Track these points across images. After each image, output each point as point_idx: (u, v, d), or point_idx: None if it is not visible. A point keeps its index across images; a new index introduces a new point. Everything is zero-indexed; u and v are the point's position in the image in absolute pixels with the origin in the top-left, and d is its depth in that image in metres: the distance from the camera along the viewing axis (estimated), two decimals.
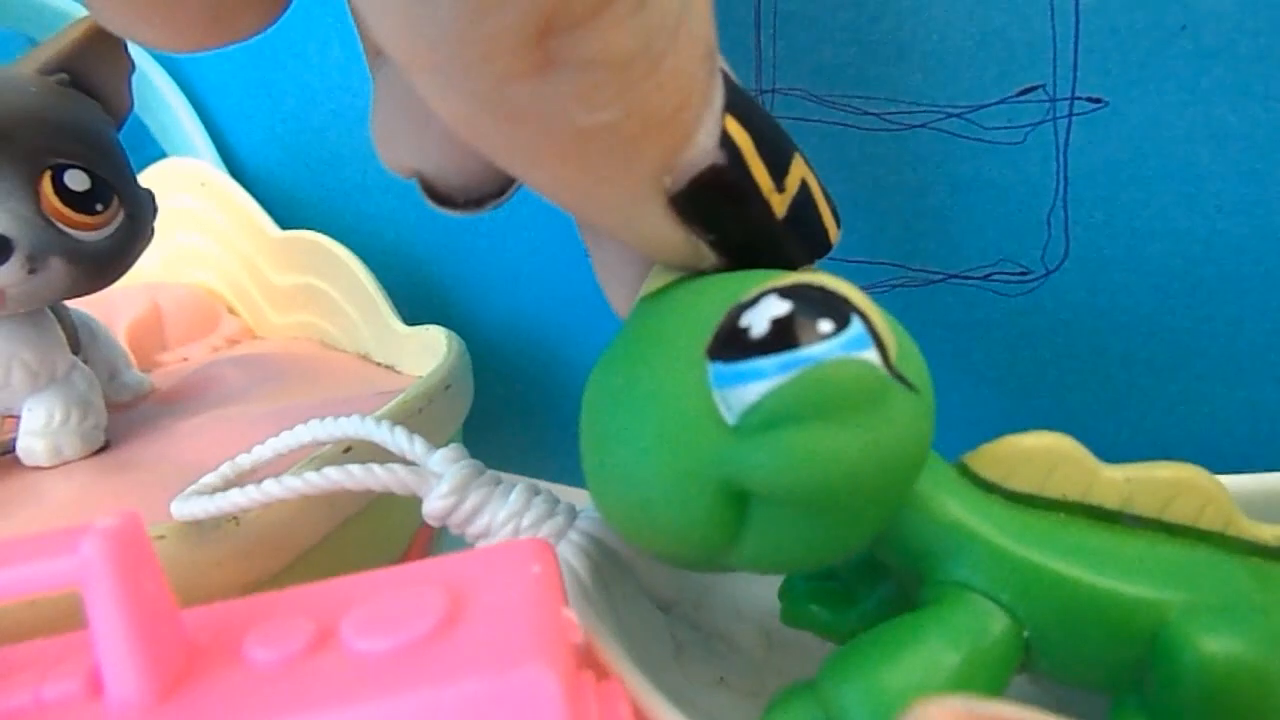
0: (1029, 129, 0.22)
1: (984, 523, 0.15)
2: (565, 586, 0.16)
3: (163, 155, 0.41)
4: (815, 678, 0.15)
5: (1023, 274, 0.23)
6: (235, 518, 0.20)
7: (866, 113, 0.23)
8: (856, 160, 0.24)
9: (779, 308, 0.13)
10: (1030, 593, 0.15)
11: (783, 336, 0.13)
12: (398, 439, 0.19)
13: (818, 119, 0.24)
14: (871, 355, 0.13)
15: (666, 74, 0.13)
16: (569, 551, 0.18)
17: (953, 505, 0.15)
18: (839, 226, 0.17)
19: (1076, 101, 0.21)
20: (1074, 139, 0.21)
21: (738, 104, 0.15)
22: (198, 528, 0.19)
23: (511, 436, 0.35)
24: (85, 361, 0.26)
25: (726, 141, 0.14)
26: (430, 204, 0.17)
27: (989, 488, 0.16)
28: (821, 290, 0.14)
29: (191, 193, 0.38)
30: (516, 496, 0.18)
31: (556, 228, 0.31)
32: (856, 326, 0.13)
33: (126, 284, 0.30)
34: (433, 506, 0.18)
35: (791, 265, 0.16)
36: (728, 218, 0.15)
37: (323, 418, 0.19)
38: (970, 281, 0.24)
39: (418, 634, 0.13)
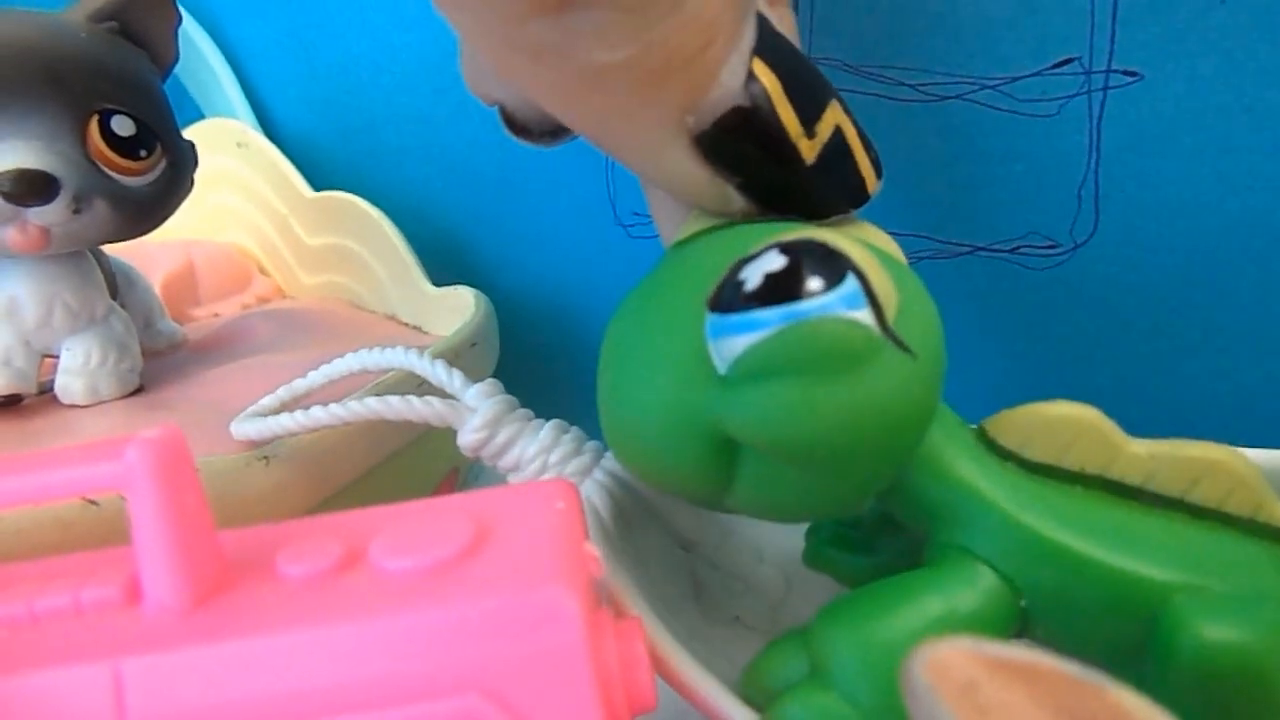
0: (1063, 101, 0.22)
1: (993, 488, 0.15)
2: (587, 523, 0.17)
3: (200, 116, 0.42)
4: (808, 625, 0.16)
5: (1051, 247, 0.23)
6: (265, 457, 0.21)
7: (901, 83, 0.23)
8: (889, 131, 0.24)
9: (776, 262, 0.14)
10: (1030, 562, 0.15)
11: (774, 291, 0.13)
12: (438, 372, 0.20)
13: (852, 89, 0.24)
14: (863, 315, 0.13)
15: (689, 15, 0.13)
16: (592, 489, 0.18)
17: (965, 468, 0.15)
18: (880, 177, 0.17)
19: (1112, 74, 0.21)
20: (1108, 112, 0.21)
21: (770, 47, 0.15)
22: (227, 465, 0.20)
23: (536, 397, 0.35)
24: (123, 307, 0.27)
25: (753, 84, 0.15)
26: (509, 133, 0.18)
27: (1005, 455, 0.16)
28: (822, 247, 0.14)
29: (228, 153, 0.39)
30: (546, 433, 0.19)
31: (585, 192, 0.31)
32: (850, 285, 0.13)
33: (163, 239, 0.31)
34: (467, 439, 0.19)
35: (823, 213, 0.16)
36: (752, 160, 0.15)
37: (371, 348, 0.20)
38: (998, 254, 0.24)
39: (443, 556, 0.13)
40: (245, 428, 0.20)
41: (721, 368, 0.14)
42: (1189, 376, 0.23)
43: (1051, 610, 0.15)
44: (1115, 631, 0.15)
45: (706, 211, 0.17)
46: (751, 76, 0.15)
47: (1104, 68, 0.21)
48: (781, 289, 0.13)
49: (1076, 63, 0.21)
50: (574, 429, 0.19)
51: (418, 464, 0.26)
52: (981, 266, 0.24)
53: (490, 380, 0.20)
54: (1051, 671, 0.11)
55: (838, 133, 0.16)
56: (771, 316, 0.13)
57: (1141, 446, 0.15)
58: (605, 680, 0.12)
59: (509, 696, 0.12)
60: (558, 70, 0.13)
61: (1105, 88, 0.21)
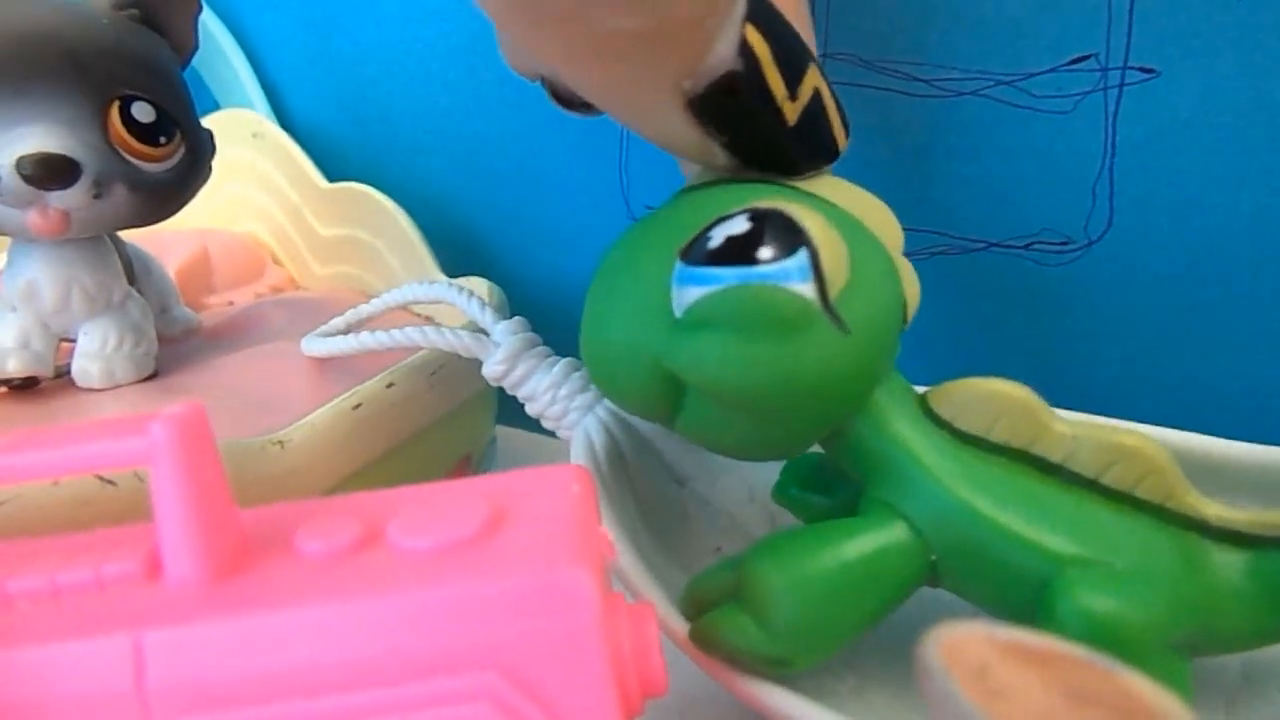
0: (1079, 98, 0.22)
1: (922, 450, 0.17)
2: (583, 453, 0.20)
3: (216, 106, 0.42)
4: (741, 554, 0.17)
5: (1064, 244, 0.23)
6: (280, 441, 0.21)
7: (916, 79, 0.23)
8: (904, 126, 0.24)
9: (739, 227, 0.15)
10: (942, 521, 0.16)
11: (729, 253, 0.15)
12: (471, 307, 0.22)
13: (868, 84, 0.24)
14: (805, 288, 0.15)
15: None
16: (593, 424, 0.21)
17: (901, 428, 0.17)
18: (848, 136, 0.18)
19: (1128, 71, 0.21)
20: (1123, 109, 0.21)
21: (760, 14, 0.16)
22: (243, 448, 0.20)
23: None
24: (140, 293, 0.27)
25: (745, 50, 0.15)
26: (554, 104, 0.19)
27: (940, 422, 0.17)
28: (785, 218, 0.15)
29: (244, 143, 0.39)
30: (558, 370, 0.21)
31: (598, 185, 0.31)
32: (800, 258, 0.15)
33: (178, 228, 0.31)
34: (490, 369, 0.21)
35: (800, 170, 0.18)
36: (740, 121, 0.16)
37: (419, 281, 0.24)
38: (1012, 250, 0.24)
39: (460, 536, 0.13)
40: (315, 345, 0.24)
41: (677, 312, 0.16)
42: (1202, 373, 0.23)
43: (957, 566, 0.16)
44: (1012, 593, 0.16)
45: (690, 162, 0.18)
46: (744, 42, 0.15)
47: (1120, 64, 0.21)
48: (736, 252, 0.15)
49: (1092, 59, 0.21)
50: (584, 369, 0.21)
51: (430, 450, 0.26)
52: (995, 263, 0.24)
53: (517, 318, 0.22)
54: (1062, 655, 0.11)
55: (816, 95, 0.17)
56: (725, 275, 0.15)
57: (1066, 426, 0.16)
58: (618, 661, 0.13)
59: (522, 675, 0.12)
60: (571, 35, 0.14)
61: (1121, 84, 0.21)
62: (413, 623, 0.12)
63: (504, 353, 0.21)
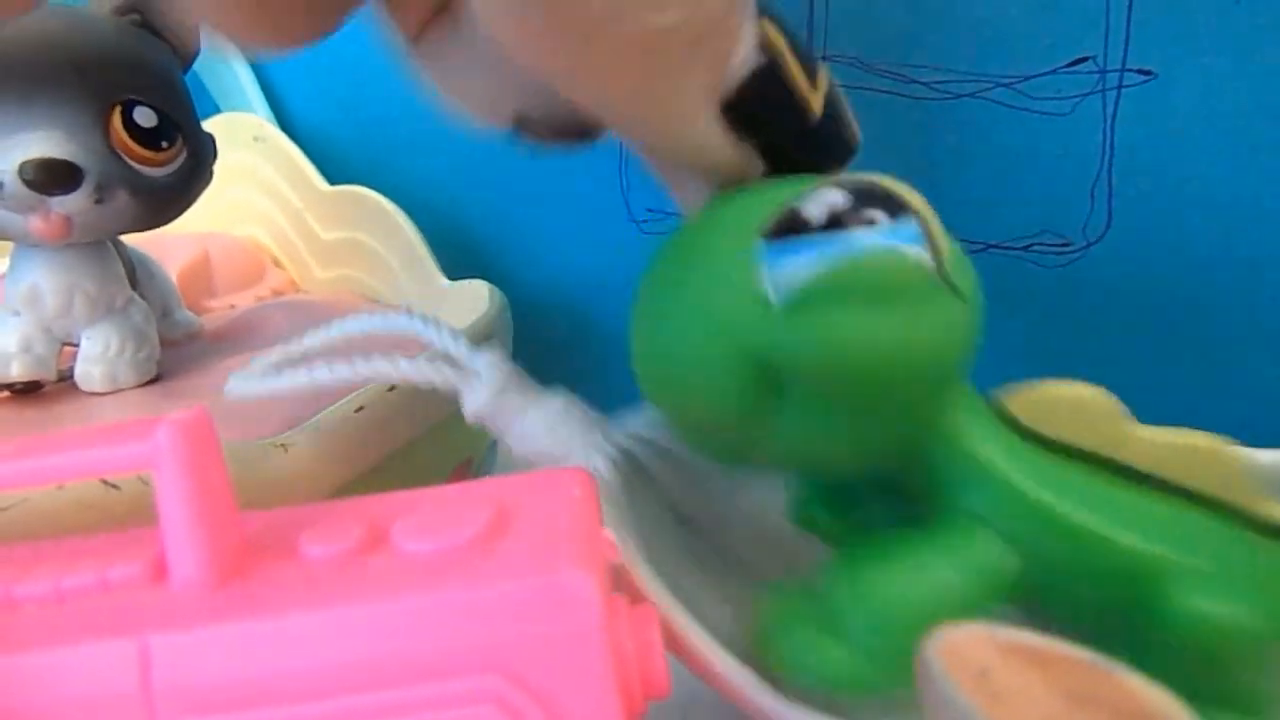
0: (1077, 100, 0.22)
1: (1007, 461, 0.16)
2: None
3: (218, 110, 0.42)
4: (819, 580, 0.16)
5: (1063, 245, 0.23)
6: (283, 445, 0.21)
7: (916, 81, 0.23)
8: (904, 128, 0.24)
9: (836, 196, 0.14)
10: (1036, 533, 0.16)
11: (837, 221, 0.14)
12: (443, 337, 0.19)
13: (868, 86, 0.24)
14: (922, 253, 0.14)
15: None
16: (599, 461, 0.18)
17: (981, 439, 0.16)
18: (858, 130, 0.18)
19: (1126, 74, 0.21)
20: (1122, 111, 0.21)
21: (766, 8, 0.16)
22: (246, 452, 0.20)
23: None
24: (142, 297, 0.27)
25: (765, 44, 0.15)
26: (539, 144, 0.18)
27: (1019, 429, 0.16)
28: (880, 186, 0.14)
29: (245, 147, 0.39)
30: (558, 405, 0.19)
31: (599, 188, 0.32)
32: (911, 223, 0.14)
33: (179, 231, 0.31)
34: (473, 405, 0.18)
35: (829, 167, 0.17)
36: (772, 119, 0.16)
37: (372, 313, 0.20)
38: (1011, 251, 0.24)
39: (464, 539, 0.13)
40: (239, 386, 0.19)
41: (776, 297, 0.14)
42: (1201, 374, 0.23)
43: (1051, 577, 0.16)
44: (1107, 600, 0.16)
45: (727, 181, 0.17)
46: (763, 37, 0.15)
47: (1118, 67, 0.21)
48: (843, 220, 0.14)
49: (1091, 62, 0.21)
50: (579, 401, 0.19)
51: (431, 453, 0.26)
52: (995, 264, 0.24)
53: (497, 349, 0.19)
54: (1062, 656, 0.11)
55: (831, 85, 0.17)
56: (835, 242, 0.14)
57: (1148, 432, 0.16)
58: (621, 664, 0.13)
59: (526, 677, 0.12)
60: (610, 40, 0.14)
61: (1119, 86, 0.21)
62: (416, 626, 0.12)
63: (488, 384, 0.18)
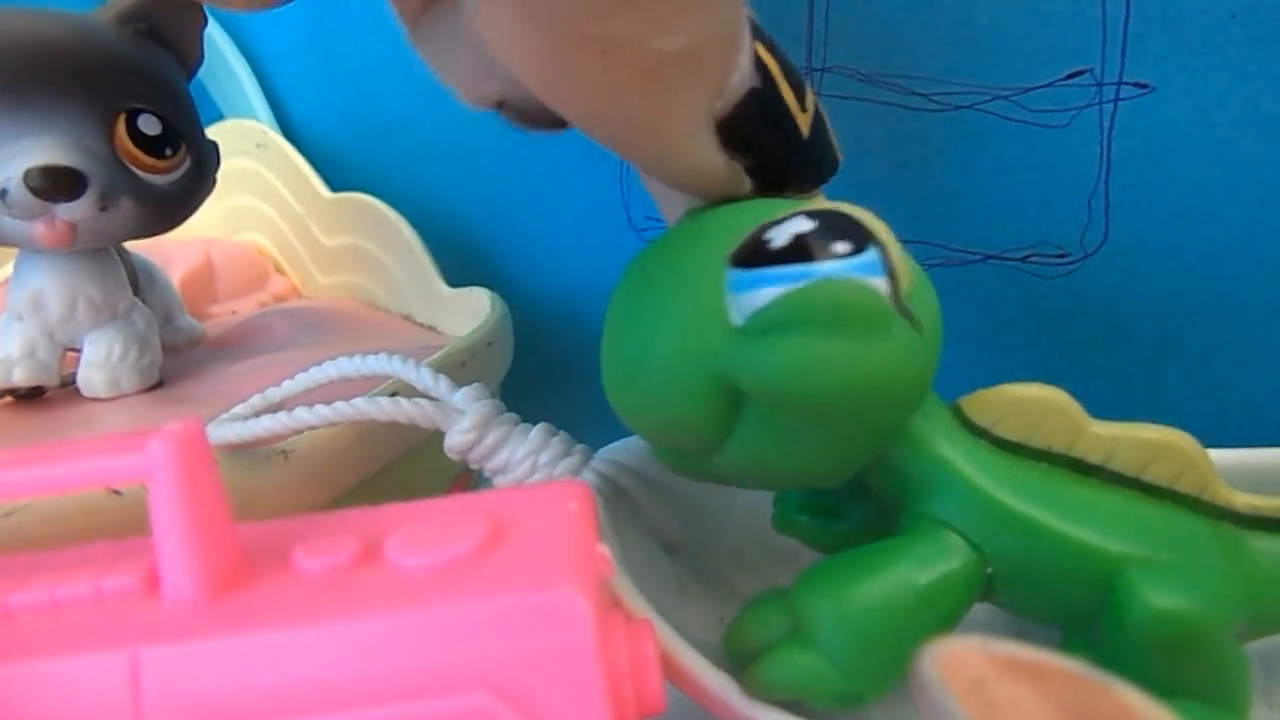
0: (1074, 112, 0.22)
1: (966, 463, 0.16)
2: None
3: (221, 117, 0.42)
4: (790, 587, 0.16)
5: (1061, 256, 0.23)
6: (284, 451, 0.21)
7: (914, 92, 0.23)
8: (901, 139, 0.24)
9: (803, 225, 0.14)
10: (998, 533, 0.16)
11: (800, 250, 0.14)
12: (423, 377, 0.20)
13: (866, 98, 0.24)
14: (880, 283, 0.14)
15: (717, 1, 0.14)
16: None
17: (941, 444, 0.16)
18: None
19: (1123, 86, 0.21)
20: (1119, 123, 0.21)
21: (760, 33, 0.16)
22: (247, 459, 0.20)
23: (549, 398, 0.35)
24: (144, 303, 0.27)
25: (760, 66, 0.15)
26: (519, 127, 0.18)
27: (979, 432, 0.17)
28: (846, 217, 0.15)
29: (248, 153, 0.40)
30: (535, 435, 0.19)
31: (600, 196, 0.32)
32: (872, 254, 0.14)
33: (182, 237, 0.32)
34: (454, 441, 0.19)
35: (814, 184, 0.17)
36: (764, 139, 0.16)
37: (351, 355, 0.20)
38: (1009, 262, 0.24)
39: (459, 554, 0.13)
40: (222, 431, 0.19)
41: (739, 320, 0.15)
42: (1197, 385, 0.23)
43: (1015, 577, 0.16)
44: (1072, 597, 0.16)
45: (714, 196, 0.17)
46: (757, 59, 0.15)
47: (1115, 79, 0.21)
48: (807, 249, 0.14)
49: (1088, 74, 0.21)
50: (561, 432, 0.19)
51: (432, 462, 0.26)
52: (992, 275, 0.24)
53: (476, 384, 0.19)
54: (1058, 669, 0.11)
55: (817, 106, 0.17)
56: (796, 273, 0.14)
57: (1103, 428, 0.16)
58: (615, 681, 0.13)
59: (519, 694, 0.12)
60: (615, 62, 0.14)
61: (1116, 99, 0.21)
62: (409, 642, 0.12)
63: (470, 421, 0.18)
